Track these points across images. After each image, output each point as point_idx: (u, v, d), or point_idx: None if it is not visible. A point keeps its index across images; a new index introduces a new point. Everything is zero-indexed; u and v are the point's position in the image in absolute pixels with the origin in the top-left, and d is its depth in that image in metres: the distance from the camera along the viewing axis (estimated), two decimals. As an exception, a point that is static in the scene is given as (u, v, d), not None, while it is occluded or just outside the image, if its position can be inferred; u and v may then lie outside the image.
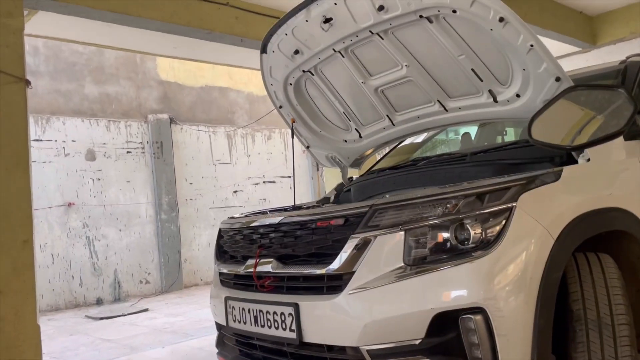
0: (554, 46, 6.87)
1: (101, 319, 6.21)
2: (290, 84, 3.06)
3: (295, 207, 3.04)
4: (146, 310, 6.56)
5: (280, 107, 3.21)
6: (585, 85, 2.39)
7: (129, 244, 7.95)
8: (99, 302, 7.50)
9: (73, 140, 7.58)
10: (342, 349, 1.93)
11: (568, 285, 1.97)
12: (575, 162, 2.23)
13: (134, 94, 8.28)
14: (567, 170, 2.06)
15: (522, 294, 1.79)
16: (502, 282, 1.79)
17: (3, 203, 3.33)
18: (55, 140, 7.43)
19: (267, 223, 2.38)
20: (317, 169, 10.07)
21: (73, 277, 7.37)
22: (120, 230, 7.88)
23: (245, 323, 2.27)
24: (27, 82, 3.57)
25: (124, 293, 7.76)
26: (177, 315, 6.10)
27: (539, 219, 1.88)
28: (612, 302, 1.93)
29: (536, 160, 2.36)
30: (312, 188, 10.30)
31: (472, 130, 3.82)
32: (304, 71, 2.95)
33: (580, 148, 2.16)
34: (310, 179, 10.33)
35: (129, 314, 6.35)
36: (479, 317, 1.75)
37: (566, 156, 2.29)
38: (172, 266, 8.24)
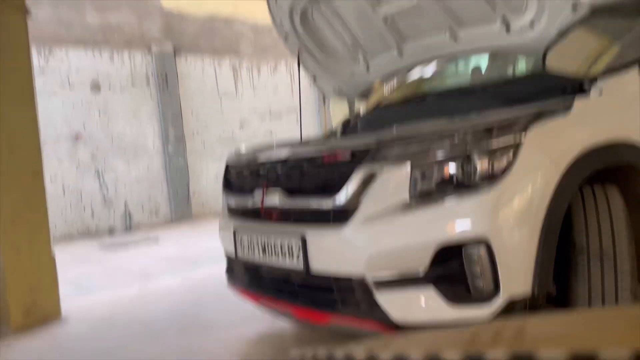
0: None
1: (114, 247, 6.39)
2: (297, 13, 2.96)
3: (302, 141, 3.03)
4: (157, 239, 6.73)
5: (286, 37, 3.13)
6: (603, 12, 2.30)
7: (138, 176, 8.03)
8: (111, 232, 7.69)
9: (77, 72, 7.50)
10: (348, 278, 1.98)
11: (572, 217, 1.98)
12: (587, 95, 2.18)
13: (137, 23, 8.08)
14: (578, 102, 2.02)
15: (526, 227, 1.81)
16: (506, 214, 1.80)
17: (11, 136, 3.34)
18: (60, 71, 7.35)
19: (274, 157, 2.38)
20: (324, 102, 9.97)
21: (85, 208, 7.52)
22: (128, 162, 7.94)
23: (253, 254, 2.32)
24: (27, 11, 3.48)
25: (135, 224, 7.94)
26: (187, 245, 6.25)
27: (546, 152, 1.87)
28: (615, 234, 1.95)
29: (547, 92, 2.31)
30: (318, 121, 10.24)
31: (483, 63, 3.72)
32: (310, -1, 2.85)
33: (596, 78, 2.10)
34: (317, 112, 10.25)
35: (140, 243, 6.52)
36: (482, 249, 1.78)
37: (578, 89, 2.24)
38: (181, 198, 8.36)
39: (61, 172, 7.31)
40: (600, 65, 2.05)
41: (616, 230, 1.96)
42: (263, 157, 2.47)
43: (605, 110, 2.16)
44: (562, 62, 2.10)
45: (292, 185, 2.23)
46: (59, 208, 7.21)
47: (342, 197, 1.98)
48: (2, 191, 3.29)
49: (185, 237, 6.88)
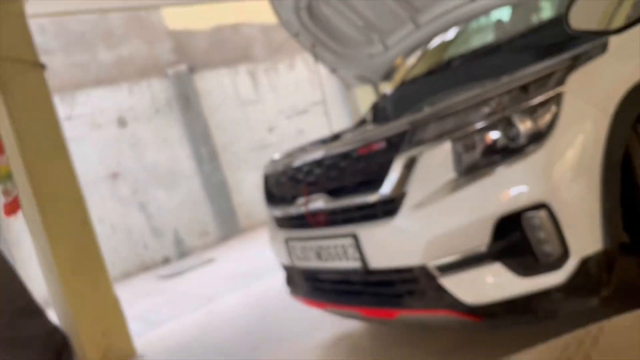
0: None
1: (172, 276, 6.49)
2: (303, 9, 2.91)
3: (334, 137, 2.98)
4: (212, 260, 6.80)
5: (297, 34, 3.08)
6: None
7: (181, 201, 8.14)
8: (166, 261, 7.82)
9: (102, 111, 7.64)
10: (409, 269, 1.92)
11: (632, 160, 1.87)
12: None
13: (148, 51, 8.17)
14: (613, 39, 1.89)
15: (583, 181, 1.71)
16: (560, 172, 1.71)
17: (52, 189, 3.41)
18: (85, 114, 7.51)
19: (310, 160, 2.34)
20: (348, 89, 9.85)
21: (136, 243, 7.68)
22: (168, 189, 8.05)
23: (309, 261, 2.29)
24: (42, 66, 3.54)
25: (187, 248, 8.05)
26: (241, 259, 6.30)
27: (591, 98, 1.76)
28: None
29: (577, 36, 2.18)
30: (346, 109, 10.12)
31: (504, 17, 3.56)
32: (313, -8, 2.79)
33: (624, 29, 1.95)
34: (343, 100, 10.13)
35: (196, 267, 6.60)
36: (542, 213, 1.70)
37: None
38: (226, 214, 8.43)
39: (106, 212, 7.47)
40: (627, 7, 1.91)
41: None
42: (298, 161, 2.43)
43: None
44: (589, 15, 1.95)
45: (333, 185, 2.18)
46: (112, 247, 7.36)
47: (387, 188, 1.92)
48: (55, 244, 3.37)
49: (238, 252, 6.94)
